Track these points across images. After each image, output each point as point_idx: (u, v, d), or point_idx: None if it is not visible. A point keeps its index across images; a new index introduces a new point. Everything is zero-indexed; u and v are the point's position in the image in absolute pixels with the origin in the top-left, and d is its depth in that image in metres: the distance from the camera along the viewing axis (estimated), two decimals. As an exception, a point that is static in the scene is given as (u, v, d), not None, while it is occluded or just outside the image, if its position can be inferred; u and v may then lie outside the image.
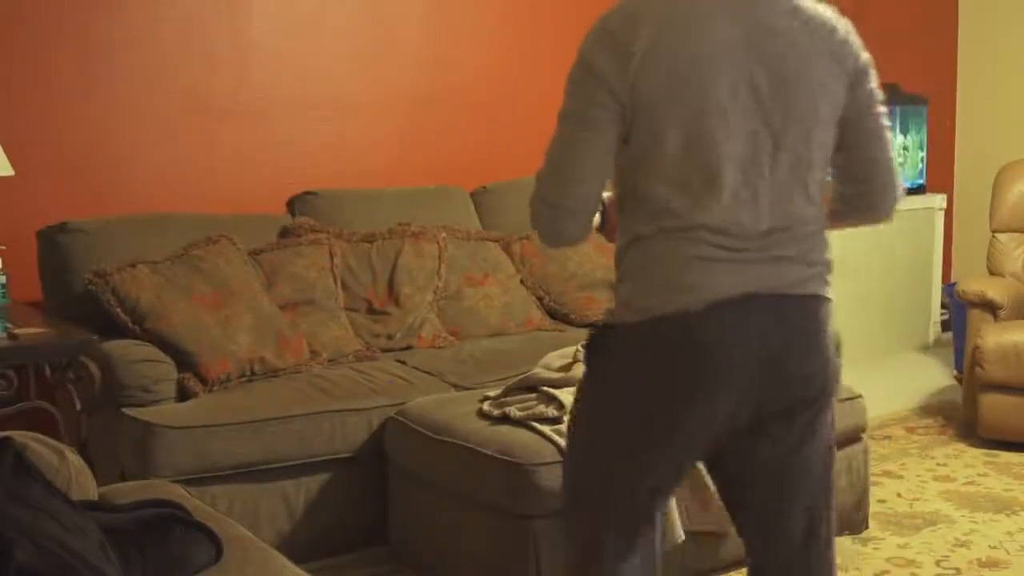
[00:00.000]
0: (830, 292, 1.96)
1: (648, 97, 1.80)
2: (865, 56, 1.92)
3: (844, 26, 1.90)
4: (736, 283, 1.83)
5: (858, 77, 1.90)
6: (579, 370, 3.19)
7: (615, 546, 1.96)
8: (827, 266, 1.95)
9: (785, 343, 1.88)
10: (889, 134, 1.97)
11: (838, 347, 2.00)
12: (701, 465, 3.06)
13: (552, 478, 2.92)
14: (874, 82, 1.93)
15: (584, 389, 2.00)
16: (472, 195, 4.46)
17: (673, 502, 3.03)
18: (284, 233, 3.94)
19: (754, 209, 1.84)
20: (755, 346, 1.84)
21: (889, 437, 4.51)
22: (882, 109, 1.95)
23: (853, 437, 3.50)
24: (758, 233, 1.84)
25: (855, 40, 1.91)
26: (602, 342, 1.95)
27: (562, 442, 2.95)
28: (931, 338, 6.03)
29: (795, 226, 1.88)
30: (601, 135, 1.84)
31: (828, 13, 1.89)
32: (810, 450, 1.97)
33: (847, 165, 1.96)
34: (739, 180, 1.82)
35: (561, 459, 2.33)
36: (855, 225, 2.12)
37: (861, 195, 2.01)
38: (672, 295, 1.83)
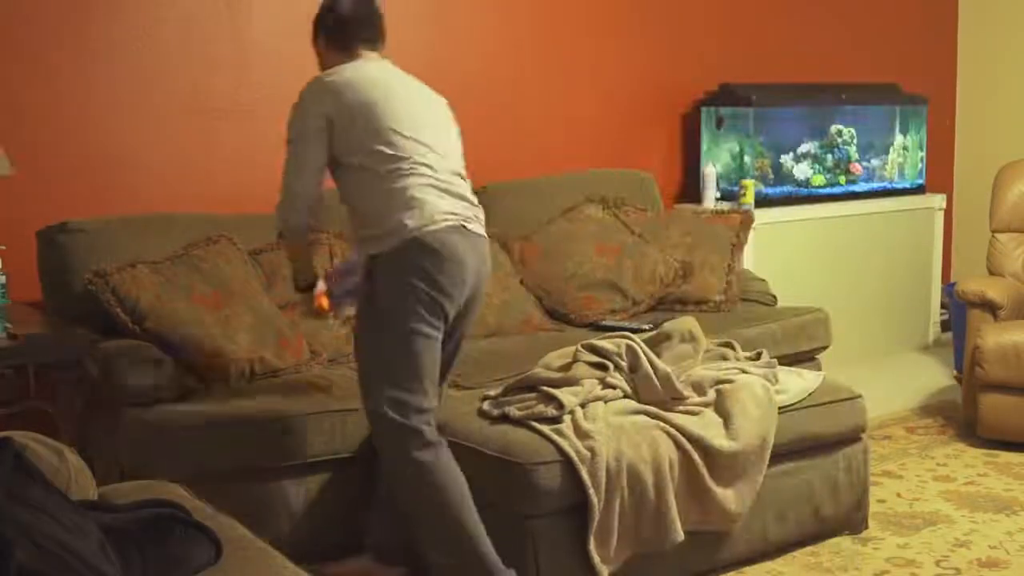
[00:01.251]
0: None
1: (365, 115, 2.93)
2: None
3: None
4: (457, 214, 2.92)
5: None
6: (580, 370, 3.22)
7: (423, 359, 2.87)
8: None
9: (480, 259, 2.97)
10: None
11: None
12: (702, 466, 3.08)
13: (551, 477, 2.92)
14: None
15: (368, 298, 2.94)
16: (472, 195, 4.47)
17: (673, 502, 3.04)
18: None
19: (447, 170, 2.97)
20: (472, 256, 2.93)
21: (889, 437, 4.51)
22: None
23: (853, 437, 3.50)
24: (456, 183, 2.99)
25: None
26: (374, 268, 2.90)
27: (561, 441, 2.96)
28: (931, 338, 6.03)
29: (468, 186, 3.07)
30: (322, 146, 2.95)
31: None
32: (465, 328, 3.09)
33: None
34: (441, 153, 2.98)
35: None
36: None
37: None
38: (429, 220, 2.86)
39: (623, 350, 3.28)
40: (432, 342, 2.88)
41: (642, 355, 3.25)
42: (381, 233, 2.89)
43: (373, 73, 3.03)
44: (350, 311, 3.20)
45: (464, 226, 2.94)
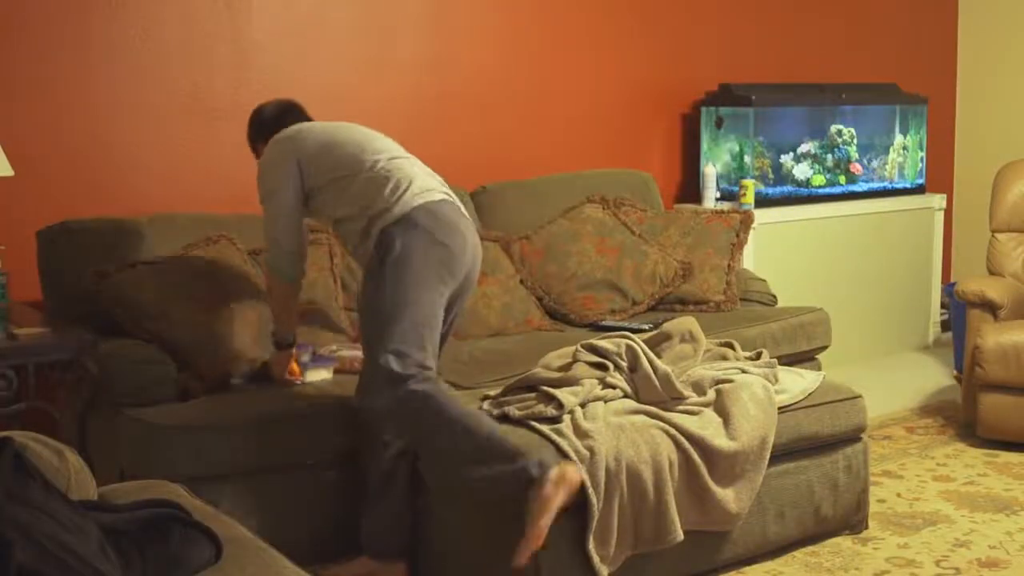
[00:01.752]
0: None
1: (328, 142, 3.20)
2: None
3: None
4: (447, 194, 3.14)
5: None
6: (580, 370, 3.22)
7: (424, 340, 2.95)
8: None
9: (474, 238, 3.15)
10: None
11: None
12: (702, 466, 3.08)
13: (552, 478, 2.92)
14: None
15: (376, 273, 3.00)
16: (472, 195, 4.46)
17: (672, 502, 3.04)
18: (284, 233, 3.94)
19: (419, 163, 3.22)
20: (469, 232, 3.12)
21: (889, 437, 4.51)
22: None
23: (853, 437, 3.50)
24: (433, 174, 3.21)
25: None
26: (382, 243, 3.00)
27: (560, 441, 2.96)
28: (931, 338, 6.03)
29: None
30: (295, 193, 3.16)
31: None
32: (459, 309, 3.22)
33: None
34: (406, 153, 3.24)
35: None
36: None
37: None
38: (426, 190, 3.07)
39: (623, 350, 3.28)
40: (436, 307, 2.99)
41: (642, 355, 3.25)
42: (381, 210, 3.03)
43: (315, 122, 3.34)
44: (320, 376, 3.51)
45: (456, 206, 3.14)
